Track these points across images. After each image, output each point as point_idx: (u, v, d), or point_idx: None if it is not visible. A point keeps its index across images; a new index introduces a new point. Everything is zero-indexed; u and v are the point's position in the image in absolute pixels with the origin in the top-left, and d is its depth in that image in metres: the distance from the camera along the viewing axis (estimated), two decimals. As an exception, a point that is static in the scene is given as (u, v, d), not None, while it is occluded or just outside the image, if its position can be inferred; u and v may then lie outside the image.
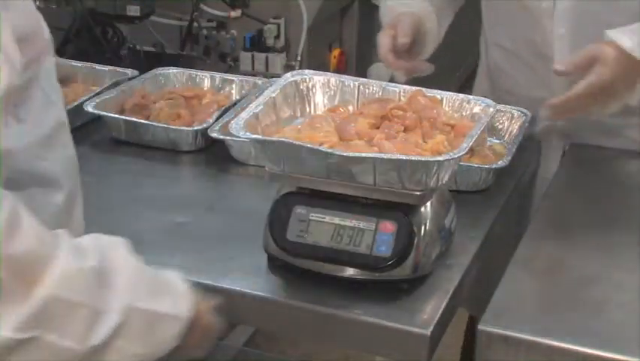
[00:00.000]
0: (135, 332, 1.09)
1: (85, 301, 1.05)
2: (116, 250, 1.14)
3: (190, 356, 1.19)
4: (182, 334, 1.14)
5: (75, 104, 1.86)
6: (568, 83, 1.65)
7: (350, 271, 1.34)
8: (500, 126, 1.82)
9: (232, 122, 1.34)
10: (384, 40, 1.76)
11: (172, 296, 1.16)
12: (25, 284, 1.01)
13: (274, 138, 1.33)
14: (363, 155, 1.28)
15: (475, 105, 1.44)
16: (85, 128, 1.86)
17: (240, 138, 1.32)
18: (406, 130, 1.40)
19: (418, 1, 1.85)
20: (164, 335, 1.13)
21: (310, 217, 1.34)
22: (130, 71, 2.06)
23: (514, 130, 1.79)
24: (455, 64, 4.34)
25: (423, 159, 1.27)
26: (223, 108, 1.87)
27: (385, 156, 1.28)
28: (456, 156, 1.28)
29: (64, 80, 1.62)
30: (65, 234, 1.08)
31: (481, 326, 1.25)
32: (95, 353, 1.06)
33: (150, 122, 1.83)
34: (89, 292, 1.06)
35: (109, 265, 1.10)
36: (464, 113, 1.44)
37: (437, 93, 1.48)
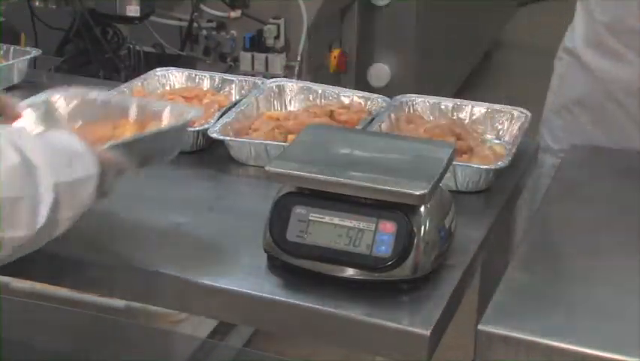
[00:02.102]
0: (65, 203, 1.24)
1: (22, 193, 1.18)
2: (24, 139, 1.24)
3: (113, 188, 1.35)
4: (98, 186, 1.29)
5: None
6: None
7: (350, 272, 1.34)
8: (500, 127, 1.82)
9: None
10: None
11: (80, 160, 1.28)
12: None
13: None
14: None
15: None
16: (85, 129, 1.85)
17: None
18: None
19: None
20: (86, 195, 1.27)
21: (310, 217, 1.34)
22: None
23: (514, 130, 1.79)
24: (454, 64, 4.35)
25: None
26: (223, 109, 1.87)
27: None
28: None
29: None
30: None
31: (480, 326, 1.25)
32: (43, 231, 1.21)
33: (150, 123, 1.83)
34: (23, 185, 1.18)
35: (26, 155, 1.20)
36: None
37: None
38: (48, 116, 1.51)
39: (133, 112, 1.53)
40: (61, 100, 1.54)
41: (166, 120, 1.50)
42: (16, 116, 1.46)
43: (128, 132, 1.48)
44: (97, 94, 1.56)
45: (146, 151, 1.42)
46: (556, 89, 1.99)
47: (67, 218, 1.25)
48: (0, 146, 1.18)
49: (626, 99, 1.84)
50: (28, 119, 1.47)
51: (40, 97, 1.54)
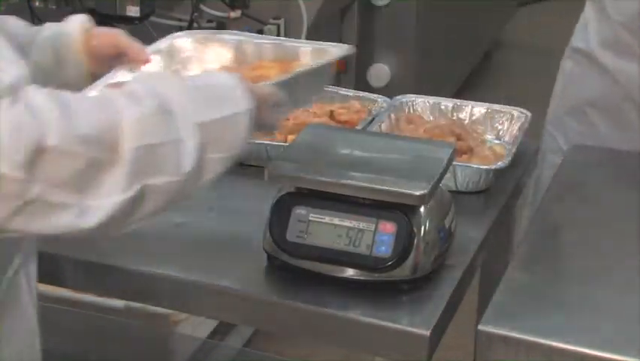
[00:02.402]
0: (213, 143, 1.18)
1: (163, 139, 1.13)
2: (163, 82, 1.20)
3: (270, 128, 1.33)
4: (252, 123, 1.22)
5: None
6: None
7: (349, 272, 1.34)
8: (500, 127, 1.82)
9: None
10: None
11: (229, 97, 1.22)
12: (112, 151, 1.09)
13: None
14: None
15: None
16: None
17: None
18: None
19: None
20: (238, 132, 1.21)
21: (310, 218, 1.34)
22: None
23: (514, 131, 1.79)
24: (454, 64, 4.34)
25: None
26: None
27: None
28: None
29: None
30: (113, 90, 1.17)
31: (480, 327, 1.25)
32: (192, 176, 1.17)
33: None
34: (163, 130, 1.14)
35: (162, 98, 1.16)
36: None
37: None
38: (173, 61, 1.49)
39: (269, 53, 1.50)
40: (188, 42, 1.52)
41: (306, 60, 1.47)
42: (144, 61, 1.43)
43: (270, 73, 1.44)
44: (226, 37, 1.54)
45: (297, 91, 1.39)
46: (564, 90, 1.99)
47: (219, 159, 1.20)
48: (137, 92, 1.16)
49: None
50: (155, 64, 1.44)
51: (164, 42, 1.51)
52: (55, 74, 1.43)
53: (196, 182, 1.18)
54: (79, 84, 1.44)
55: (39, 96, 1.07)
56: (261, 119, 1.25)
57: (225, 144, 1.20)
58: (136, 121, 1.12)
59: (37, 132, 1.04)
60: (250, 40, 1.55)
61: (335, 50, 1.49)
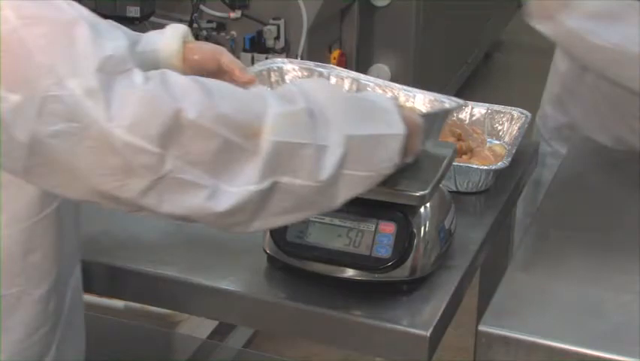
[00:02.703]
0: (358, 159, 1.14)
1: (306, 140, 1.10)
2: (319, 88, 1.17)
3: (411, 158, 1.25)
4: (403, 148, 1.18)
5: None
6: None
7: (350, 273, 1.34)
8: (500, 127, 1.82)
9: None
10: None
11: (383, 117, 1.18)
12: (250, 139, 1.07)
13: None
14: None
15: (447, 104, 1.45)
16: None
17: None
18: None
19: None
20: (386, 154, 1.17)
21: (310, 218, 1.34)
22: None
23: (514, 131, 1.79)
24: (454, 65, 4.35)
25: None
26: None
27: None
28: None
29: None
30: (266, 88, 1.15)
31: (481, 327, 1.25)
32: (327, 186, 1.13)
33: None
34: (308, 131, 1.11)
35: (317, 104, 1.13)
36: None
37: (411, 91, 1.48)
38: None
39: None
40: (294, 69, 1.50)
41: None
42: (248, 81, 1.40)
43: None
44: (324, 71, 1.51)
45: (433, 129, 1.37)
46: (549, 80, 2.00)
47: (359, 176, 1.15)
48: (290, 92, 1.14)
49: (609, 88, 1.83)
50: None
51: (269, 64, 1.49)
52: None
53: (329, 194, 1.14)
54: None
55: (178, 76, 1.06)
56: (409, 148, 1.21)
57: (369, 163, 1.16)
58: (281, 115, 1.10)
59: (173, 106, 1.03)
60: (357, 79, 1.53)
61: (448, 103, 1.46)
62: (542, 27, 1.64)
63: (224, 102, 1.07)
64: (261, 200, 1.10)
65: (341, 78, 1.50)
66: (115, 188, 1.04)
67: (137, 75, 1.04)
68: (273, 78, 1.46)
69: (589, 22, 1.61)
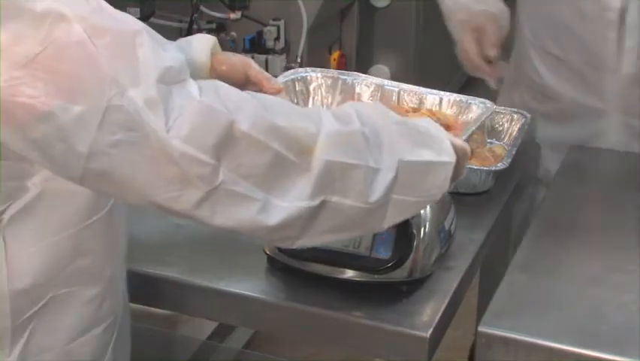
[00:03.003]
0: (408, 184, 1.15)
1: (358, 161, 1.11)
2: (376, 112, 1.18)
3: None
4: (453, 176, 1.20)
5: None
6: (625, 92, 1.77)
7: (349, 273, 1.34)
8: (500, 128, 1.82)
9: None
10: (471, 46, 1.78)
11: (435, 144, 1.19)
12: (303, 155, 1.08)
13: None
14: None
15: (474, 106, 1.45)
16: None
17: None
18: None
19: None
20: (436, 181, 1.18)
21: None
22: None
23: (514, 132, 1.79)
24: (457, 63, 4.34)
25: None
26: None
27: None
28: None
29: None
30: (321, 107, 1.16)
31: (481, 328, 1.25)
32: (375, 208, 1.13)
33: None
34: (360, 153, 1.12)
35: (372, 126, 1.14)
36: (463, 114, 1.45)
37: (437, 94, 1.48)
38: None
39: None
40: (318, 78, 1.50)
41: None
42: (276, 91, 1.40)
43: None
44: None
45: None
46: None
47: (408, 201, 1.16)
48: (347, 113, 1.15)
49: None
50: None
51: (292, 74, 1.49)
52: None
53: (377, 216, 1.15)
54: None
55: (230, 88, 1.07)
56: (456, 174, 1.22)
57: (419, 189, 1.17)
58: (335, 135, 1.10)
59: (228, 117, 1.03)
60: (381, 85, 1.53)
61: (477, 108, 1.46)
62: None
63: (279, 115, 1.08)
64: (311, 217, 1.10)
65: (366, 85, 1.51)
66: (170, 199, 1.04)
67: (193, 86, 1.04)
68: (298, 88, 1.47)
69: None
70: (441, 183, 1.18)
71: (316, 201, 1.09)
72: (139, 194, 1.05)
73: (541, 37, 1.91)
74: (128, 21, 1.04)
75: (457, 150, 1.21)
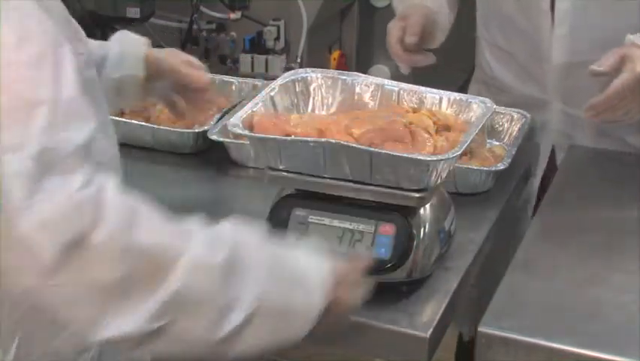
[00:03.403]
0: (264, 326, 1.11)
1: (214, 295, 1.08)
2: (250, 242, 1.14)
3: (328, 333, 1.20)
4: (311, 327, 1.15)
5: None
6: (560, 82, 1.79)
7: (349, 274, 1.34)
8: (500, 128, 1.82)
9: (230, 120, 1.35)
10: (393, 32, 1.83)
11: (305, 290, 1.15)
12: (156, 274, 1.04)
13: (264, 135, 1.33)
14: (358, 146, 1.29)
15: (474, 105, 1.44)
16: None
17: (239, 133, 1.33)
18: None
19: None
20: (293, 329, 1.15)
21: (309, 220, 1.34)
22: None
23: (514, 132, 1.79)
24: (455, 63, 4.34)
25: (420, 157, 1.27)
26: (223, 110, 1.87)
27: (383, 151, 1.28)
28: (452, 156, 1.28)
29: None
30: (197, 226, 1.11)
31: (481, 328, 1.25)
32: (223, 344, 1.09)
33: (151, 125, 1.83)
34: (219, 287, 1.08)
35: (241, 260, 1.11)
36: (463, 113, 1.45)
37: (437, 93, 1.48)
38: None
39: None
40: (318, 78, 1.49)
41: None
42: (203, 86, 1.43)
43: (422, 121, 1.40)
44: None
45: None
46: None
47: (261, 345, 1.12)
48: (220, 237, 1.11)
49: None
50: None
51: (292, 75, 1.48)
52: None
53: (223, 349, 1.11)
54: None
55: (114, 193, 1.04)
56: (325, 325, 1.17)
57: (272, 333, 1.13)
58: (195, 264, 1.06)
59: (84, 224, 1.00)
60: (381, 85, 1.52)
61: (477, 107, 1.43)
62: None
63: (142, 234, 1.04)
64: (149, 339, 1.06)
65: (366, 85, 1.51)
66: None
67: (76, 181, 1.01)
68: (298, 88, 1.47)
69: None
70: (297, 332, 1.15)
71: (157, 323, 1.05)
72: None
73: (492, 31, 1.97)
74: (39, 89, 1.02)
75: (332, 297, 1.16)
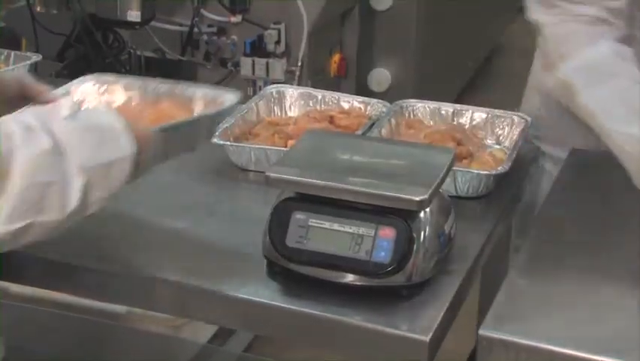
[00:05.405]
0: (97, 184, 1.23)
1: (53, 178, 1.18)
2: (56, 121, 1.23)
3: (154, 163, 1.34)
4: (133, 168, 1.27)
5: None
6: None
7: (349, 277, 1.34)
8: (500, 132, 1.82)
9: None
10: None
11: (115, 140, 1.26)
12: None
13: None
14: None
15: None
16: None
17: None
18: None
19: None
20: (120, 176, 1.26)
21: (309, 223, 1.34)
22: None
23: (515, 136, 1.79)
24: (455, 69, 4.35)
25: None
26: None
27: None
28: None
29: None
30: (11, 122, 1.18)
31: (481, 331, 1.25)
32: (75, 214, 1.21)
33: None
34: (53, 170, 1.18)
35: (57, 138, 1.20)
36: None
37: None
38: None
39: (165, 98, 1.53)
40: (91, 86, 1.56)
41: (199, 105, 1.49)
42: (49, 101, 1.43)
43: (163, 116, 1.46)
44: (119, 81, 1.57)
45: (188, 136, 1.42)
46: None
47: (100, 199, 1.24)
48: (33, 129, 1.18)
49: None
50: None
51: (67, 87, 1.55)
52: None
53: (78, 218, 1.23)
54: None
55: None
56: (141, 164, 1.29)
57: (108, 186, 1.25)
58: (30, 159, 1.15)
59: None
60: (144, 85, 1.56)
61: (228, 98, 1.47)
62: (547, 79, 1.71)
63: None
64: (13, 238, 1.17)
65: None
66: None
67: None
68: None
69: (581, 74, 1.66)
70: (124, 178, 1.26)
71: (17, 225, 1.16)
72: None
73: None
74: None
75: (138, 139, 1.27)
